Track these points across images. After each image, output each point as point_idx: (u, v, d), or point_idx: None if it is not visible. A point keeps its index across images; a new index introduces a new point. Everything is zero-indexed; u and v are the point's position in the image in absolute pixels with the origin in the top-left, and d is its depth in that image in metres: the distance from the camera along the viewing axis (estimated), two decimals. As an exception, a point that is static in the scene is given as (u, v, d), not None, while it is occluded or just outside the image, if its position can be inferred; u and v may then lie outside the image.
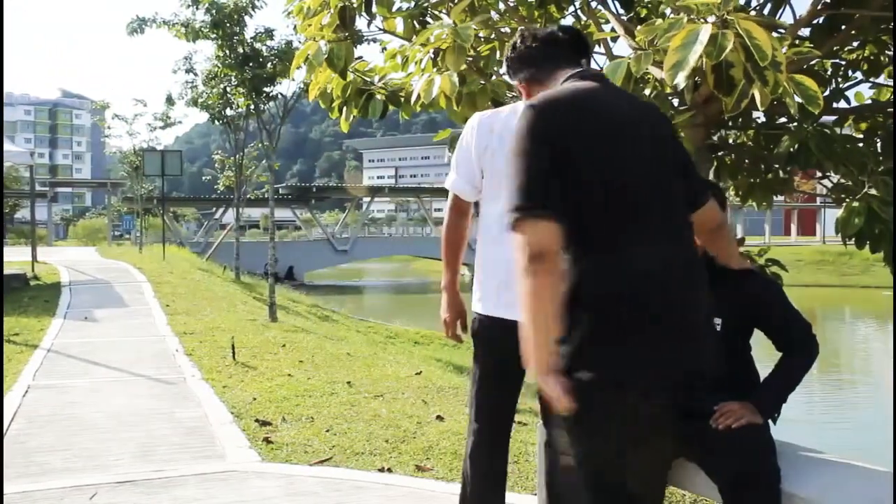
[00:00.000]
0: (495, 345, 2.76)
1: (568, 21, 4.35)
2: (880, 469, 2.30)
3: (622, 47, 3.82)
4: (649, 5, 3.98)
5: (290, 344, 8.60)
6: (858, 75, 4.07)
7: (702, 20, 2.58)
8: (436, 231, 56.49)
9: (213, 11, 12.26)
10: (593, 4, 4.04)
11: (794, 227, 59.69)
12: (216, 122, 17.27)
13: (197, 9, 12.41)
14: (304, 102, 12.45)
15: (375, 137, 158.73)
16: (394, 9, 3.88)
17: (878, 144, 3.96)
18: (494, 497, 2.92)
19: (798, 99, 2.63)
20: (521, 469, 4.14)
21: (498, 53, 4.16)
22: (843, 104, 4.07)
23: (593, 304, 1.89)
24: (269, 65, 12.84)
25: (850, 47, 3.99)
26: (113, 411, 5.50)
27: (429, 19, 4.05)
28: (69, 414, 5.44)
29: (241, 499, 3.81)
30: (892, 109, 3.84)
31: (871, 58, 3.97)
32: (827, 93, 3.93)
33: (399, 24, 4.03)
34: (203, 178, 27.84)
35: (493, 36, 4.14)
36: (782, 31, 3.27)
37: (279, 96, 12.93)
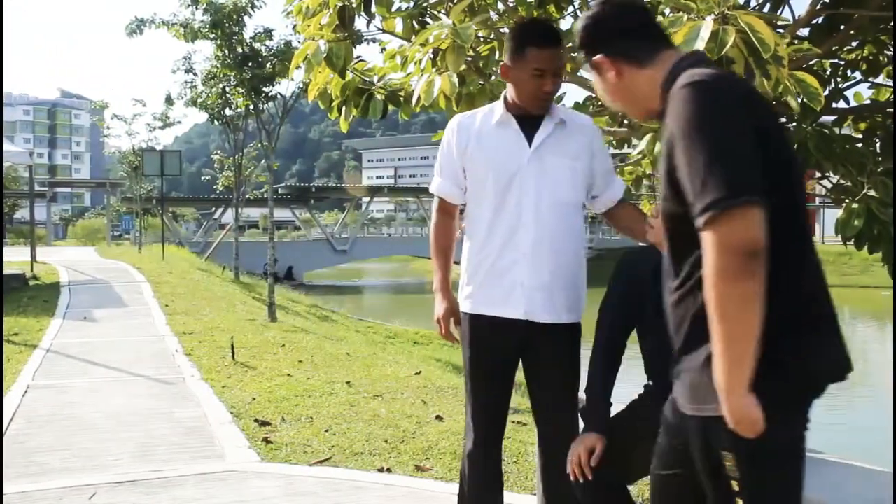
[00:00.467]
0: (484, 343, 2.79)
1: (567, 21, 4.35)
2: (880, 469, 2.31)
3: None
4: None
5: (290, 344, 8.60)
6: (857, 75, 4.07)
7: (701, 18, 2.58)
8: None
9: (212, 12, 12.25)
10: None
11: (793, 227, 59.59)
12: (215, 122, 17.26)
13: (196, 9, 12.41)
14: (303, 102, 12.43)
15: (375, 137, 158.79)
16: (393, 9, 3.88)
17: (878, 145, 3.95)
18: (493, 496, 2.93)
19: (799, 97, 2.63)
20: (521, 469, 4.14)
21: (497, 53, 4.16)
22: (842, 104, 4.07)
23: (804, 304, 1.70)
24: (268, 65, 12.83)
25: (849, 47, 3.99)
26: (112, 411, 5.50)
27: (428, 19, 4.04)
28: (68, 414, 5.44)
29: (240, 499, 3.81)
30: (891, 109, 3.84)
31: (871, 58, 3.97)
32: (826, 93, 3.93)
33: (398, 25, 4.03)
34: (202, 178, 27.86)
35: (492, 36, 4.14)
36: (782, 30, 3.27)
37: (278, 96, 12.93)
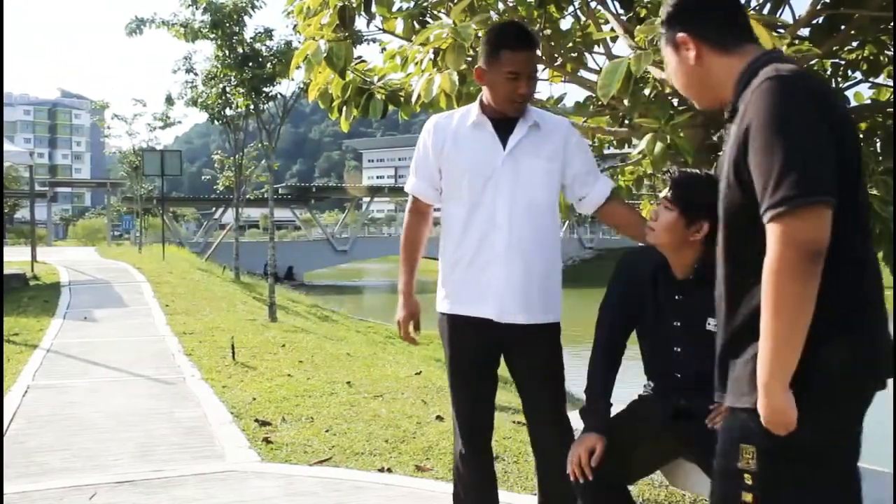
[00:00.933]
0: (461, 342, 2.81)
1: (567, 21, 4.35)
2: (880, 469, 2.31)
3: (622, 48, 3.82)
4: (649, 5, 3.97)
5: (290, 344, 8.60)
6: (858, 75, 4.07)
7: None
8: (434, 231, 56.34)
9: (213, 11, 12.25)
10: (593, 4, 4.04)
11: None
12: (216, 122, 17.25)
13: (196, 9, 12.41)
14: (303, 102, 12.44)
15: (375, 137, 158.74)
16: (394, 9, 3.88)
17: (878, 144, 3.95)
18: (486, 496, 2.94)
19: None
20: (521, 469, 4.14)
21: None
22: (842, 104, 4.07)
23: (855, 308, 1.70)
24: (268, 65, 12.83)
25: (849, 47, 3.99)
26: (112, 411, 5.50)
27: (428, 19, 4.04)
28: (69, 414, 5.44)
29: (240, 499, 3.81)
30: (891, 109, 3.84)
31: (871, 58, 3.97)
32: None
33: (399, 25, 4.03)
34: (202, 178, 27.85)
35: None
36: (782, 30, 3.27)
37: (279, 96, 12.93)
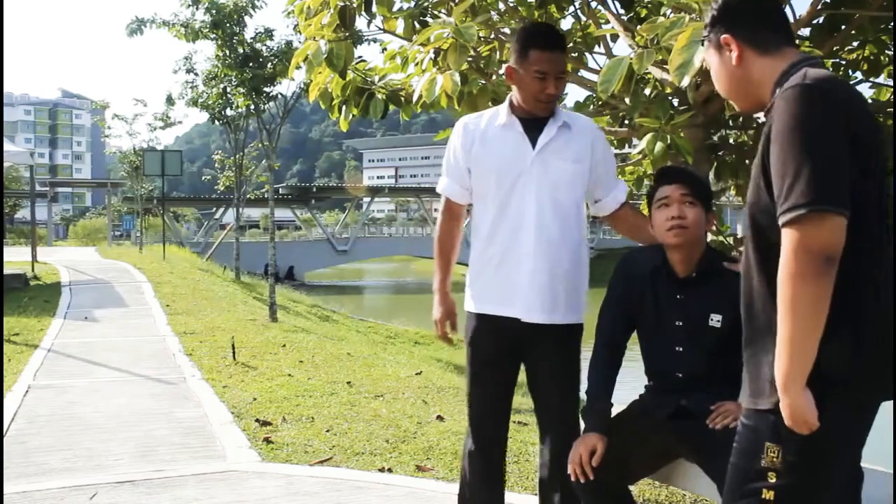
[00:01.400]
0: (485, 341, 2.82)
1: (568, 21, 4.36)
2: (880, 469, 2.30)
3: (622, 48, 3.83)
4: (649, 5, 3.97)
5: (291, 344, 8.60)
6: (858, 75, 4.07)
7: (703, 19, 2.58)
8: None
9: (213, 12, 12.25)
10: (593, 4, 4.04)
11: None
12: (216, 122, 17.24)
13: (197, 9, 12.41)
14: (303, 102, 12.44)
15: (375, 137, 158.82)
16: (394, 9, 3.88)
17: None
18: (494, 496, 2.94)
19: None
20: (521, 469, 4.14)
21: (498, 54, 4.16)
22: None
23: (868, 312, 1.72)
24: (269, 65, 12.82)
25: (849, 47, 3.99)
26: (113, 411, 5.50)
27: (429, 19, 4.04)
28: (69, 414, 5.44)
29: (240, 499, 3.81)
30: (891, 109, 3.84)
31: (871, 58, 3.97)
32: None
33: (399, 25, 4.03)
34: (203, 178, 27.79)
35: (493, 36, 4.14)
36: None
37: (279, 96, 12.92)
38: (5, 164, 17.31)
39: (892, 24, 3.55)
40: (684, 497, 3.75)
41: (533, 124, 2.74)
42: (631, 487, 2.76)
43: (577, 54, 4.15)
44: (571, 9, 4.14)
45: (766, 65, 1.86)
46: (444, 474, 4.13)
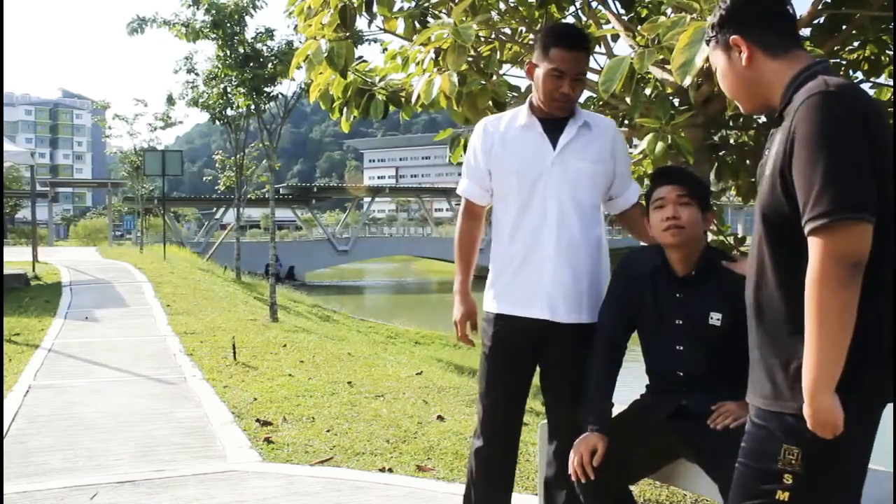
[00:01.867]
0: (505, 342, 2.83)
1: (568, 21, 4.35)
2: (880, 469, 2.30)
3: (622, 48, 3.82)
4: (650, 5, 3.97)
5: (291, 344, 8.60)
6: (859, 75, 4.07)
7: (704, 19, 2.57)
8: (436, 231, 56.58)
9: (214, 11, 12.25)
10: (594, 4, 4.04)
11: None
12: (217, 122, 17.26)
13: (197, 9, 12.41)
14: (304, 102, 12.42)
15: (376, 137, 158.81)
16: (394, 9, 3.88)
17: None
18: (498, 495, 2.94)
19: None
20: (522, 469, 4.14)
21: (498, 54, 4.16)
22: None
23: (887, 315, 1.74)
24: (269, 65, 12.82)
25: (850, 47, 3.99)
26: (114, 411, 5.50)
27: (429, 19, 4.04)
28: (70, 414, 5.44)
29: (241, 499, 3.81)
30: (892, 109, 3.84)
31: (872, 57, 3.97)
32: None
33: (400, 25, 4.03)
34: (204, 178, 27.83)
35: (493, 36, 4.14)
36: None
37: (280, 96, 12.93)
38: (6, 164, 17.31)
39: (892, 24, 3.55)
40: (685, 497, 3.74)
41: (553, 125, 2.75)
42: (631, 487, 2.76)
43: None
44: (572, 9, 4.14)
45: (777, 67, 1.87)
46: (445, 474, 4.13)
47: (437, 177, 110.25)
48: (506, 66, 4.28)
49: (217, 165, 22.27)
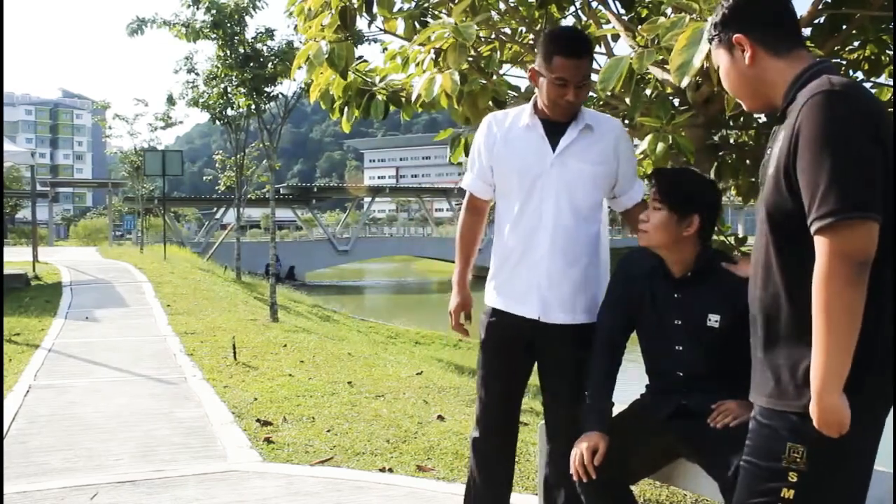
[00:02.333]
0: (500, 337, 2.86)
1: (568, 21, 4.35)
2: (880, 469, 2.30)
3: (622, 49, 3.82)
4: (650, 5, 3.97)
5: (291, 344, 8.60)
6: (859, 75, 4.06)
7: (703, 19, 2.57)
8: (436, 231, 56.59)
9: (214, 11, 12.25)
10: (594, 4, 4.04)
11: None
12: (217, 122, 17.26)
13: (197, 9, 12.41)
14: (304, 102, 12.42)
15: (376, 137, 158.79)
16: (395, 9, 3.88)
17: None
18: (501, 493, 2.98)
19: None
20: (522, 469, 4.14)
21: (499, 53, 4.16)
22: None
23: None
24: (269, 65, 12.82)
25: (850, 47, 3.99)
26: (114, 411, 5.50)
27: (429, 20, 4.04)
28: (70, 414, 5.44)
29: (241, 499, 3.81)
30: (892, 109, 3.84)
31: (872, 57, 3.96)
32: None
33: (400, 25, 4.03)
34: (204, 177, 27.81)
35: (493, 36, 4.13)
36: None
37: (280, 96, 12.93)
38: (6, 164, 17.31)
39: (892, 23, 3.55)
40: (685, 497, 3.75)
41: (555, 126, 2.76)
42: (632, 487, 2.76)
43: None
44: (572, 9, 4.13)
45: (780, 66, 1.87)
46: (445, 474, 4.13)
47: (438, 177, 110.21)
48: (506, 66, 4.28)
49: (217, 165, 22.27)
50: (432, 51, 3.65)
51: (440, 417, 5.24)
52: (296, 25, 11.20)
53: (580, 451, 2.52)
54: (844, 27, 3.66)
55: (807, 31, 3.67)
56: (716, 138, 4.09)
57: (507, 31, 4.24)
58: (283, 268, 39.37)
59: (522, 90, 4.06)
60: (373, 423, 5.12)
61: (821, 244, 1.66)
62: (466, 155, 3.73)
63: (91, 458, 4.45)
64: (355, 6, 3.78)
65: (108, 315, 10.82)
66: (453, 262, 3.11)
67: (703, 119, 3.59)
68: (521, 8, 4.10)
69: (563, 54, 2.64)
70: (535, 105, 2.80)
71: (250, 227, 59.22)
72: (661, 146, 3.17)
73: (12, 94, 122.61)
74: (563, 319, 2.75)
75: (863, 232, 1.63)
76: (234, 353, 7.51)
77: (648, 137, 3.26)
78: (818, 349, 1.67)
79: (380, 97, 4.05)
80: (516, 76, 23.62)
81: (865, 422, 1.74)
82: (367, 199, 57.56)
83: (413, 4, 4.06)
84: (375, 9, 3.78)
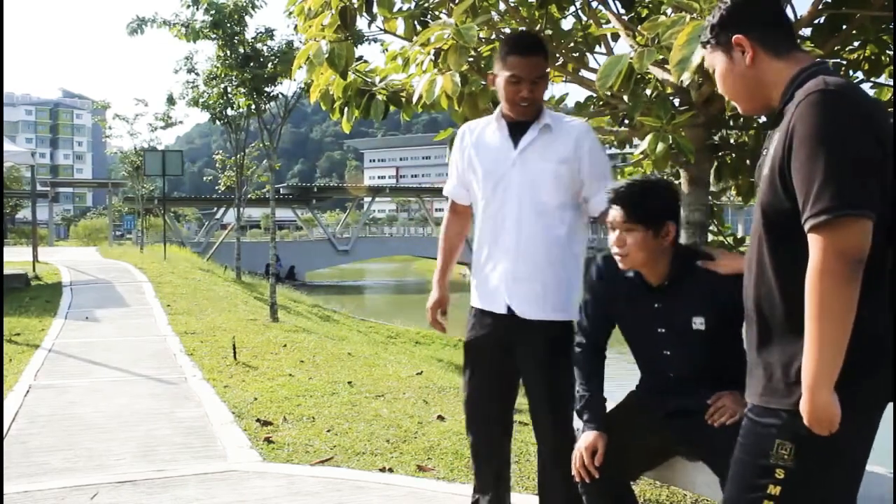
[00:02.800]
0: (477, 333, 2.96)
1: (569, 21, 4.35)
2: (880, 469, 2.31)
3: (623, 48, 3.82)
4: (650, 5, 3.97)
5: (291, 344, 8.60)
6: (859, 75, 4.07)
7: (703, 19, 2.57)
8: (437, 231, 56.54)
9: (214, 11, 12.24)
10: (594, 4, 4.04)
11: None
12: (217, 122, 17.23)
13: (197, 9, 12.40)
14: (304, 102, 12.40)
15: (376, 137, 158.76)
16: (395, 9, 3.88)
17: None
18: (500, 494, 3.04)
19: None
20: (522, 469, 4.14)
21: (499, 54, 4.16)
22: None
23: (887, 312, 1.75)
24: (269, 65, 12.81)
25: (850, 47, 3.99)
26: (114, 411, 5.50)
27: (429, 20, 4.04)
28: (70, 414, 5.44)
29: (241, 499, 3.81)
30: (892, 109, 3.84)
31: (872, 57, 3.96)
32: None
33: (400, 25, 4.03)
34: (204, 177, 27.83)
35: (493, 37, 4.13)
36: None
37: (280, 96, 12.92)
38: (6, 164, 17.31)
39: (892, 23, 3.55)
40: (685, 497, 3.74)
41: (519, 128, 2.84)
42: (632, 486, 2.76)
43: (577, 54, 4.14)
44: (572, 8, 4.13)
45: (779, 67, 1.87)
46: (445, 474, 4.13)
47: (438, 177, 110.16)
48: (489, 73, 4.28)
49: (217, 165, 22.26)
50: (432, 51, 3.65)
51: (440, 417, 5.24)
52: (296, 25, 11.20)
53: (579, 452, 2.53)
54: (844, 27, 3.66)
55: (807, 31, 3.68)
56: (716, 138, 4.09)
57: (508, 31, 4.24)
58: (284, 268, 39.38)
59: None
60: (373, 423, 5.12)
61: (815, 242, 1.66)
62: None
63: (91, 457, 4.45)
64: (355, 6, 3.78)
65: (109, 315, 10.82)
66: None
67: (703, 119, 3.59)
68: (521, 8, 4.10)
69: (515, 52, 2.75)
70: (501, 109, 2.88)
71: (250, 226, 59.25)
72: (661, 146, 3.18)
73: (12, 94, 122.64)
74: (529, 314, 2.81)
75: (857, 230, 1.64)
76: (235, 352, 7.51)
77: (648, 137, 3.26)
78: (810, 346, 1.67)
79: (380, 97, 4.06)
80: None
81: (856, 421, 1.74)
82: (368, 199, 57.58)
83: (413, 4, 4.06)
84: (375, 9, 3.79)
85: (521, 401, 3.10)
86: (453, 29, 3.31)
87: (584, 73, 4.11)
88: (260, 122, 13.06)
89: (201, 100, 16.05)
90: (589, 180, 2.84)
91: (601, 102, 4.00)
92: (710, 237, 4.14)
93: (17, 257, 18.57)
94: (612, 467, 2.53)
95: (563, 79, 4.13)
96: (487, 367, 2.95)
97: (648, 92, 3.49)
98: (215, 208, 48.19)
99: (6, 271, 12.51)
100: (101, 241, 41.02)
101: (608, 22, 4.06)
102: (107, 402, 5.79)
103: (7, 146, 15.43)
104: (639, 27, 3.08)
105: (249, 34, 12.89)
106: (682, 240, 3.42)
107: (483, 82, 3.78)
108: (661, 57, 2.84)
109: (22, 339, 8.65)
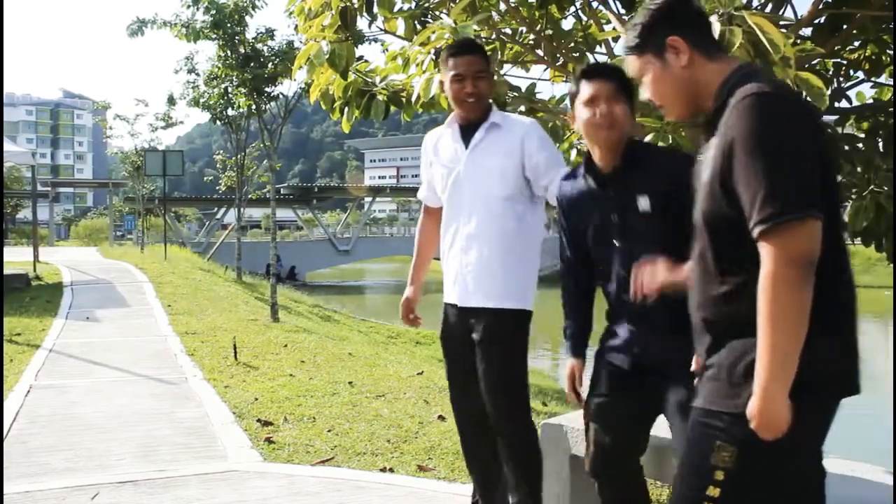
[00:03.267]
0: (446, 329, 3.15)
1: (569, 22, 4.36)
2: (880, 469, 2.31)
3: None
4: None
5: (292, 344, 8.60)
6: (860, 75, 4.07)
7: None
8: (437, 231, 56.48)
9: (214, 12, 12.24)
10: (594, 5, 4.04)
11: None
12: (217, 122, 17.21)
13: (197, 9, 12.39)
14: (305, 102, 12.39)
15: (377, 137, 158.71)
16: (395, 9, 3.88)
17: (881, 144, 3.95)
18: (490, 490, 3.16)
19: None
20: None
21: (499, 54, 4.16)
22: (844, 103, 4.07)
23: (840, 315, 1.75)
24: (270, 65, 12.81)
25: (851, 47, 3.99)
26: (114, 411, 5.51)
27: (429, 20, 4.04)
28: (71, 414, 5.45)
29: (242, 499, 3.81)
30: (892, 109, 3.84)
31: (873, 57, 3.96)
32: (829, 92, 3.92)
33: (400, 25, 4.03)
34: (204, 178, 27.84)
35: (493, 36, 4.14)
36: (784, 29, 3.27)
37: (280, 96, 12.92)
38: (7, 165, 17.32)
39: (893, 23, 3.55)
40: (685, 497, 3.74)
41: (469, 129, 3.01)
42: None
43: (577, 54, 4.15)
44: (572, 9, 4.13)
45: (712, 69, 1.86)
46: (446, 474, 4.14)
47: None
48: (506, 66, 4.28)
49: (218, 165, 22.27)
50: (432, 51, 3.65)
51: (441, 417, 5.24)
52: (296, 25, 11.19)
53: (567, 381, 2.66)
54: (845, 27, 3.66)
55: (807, 31, 3.67)
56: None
57: (508, 31, 4.25)
58: (284, 268, 39.35)
59: (523, 90, 4.07)
60: (373, 423, 5.12)
61: (765, 249, 1.63)
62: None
63: (92, 458, 4.46)
64: (356, 6, 3.78)
65: (109, 315, 10.83)
66: None
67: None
68: (521, 8, 4.10)
69: (454, 54, 2.95)
70: (454, 115, 3.06)
71: (251, 227, 59.26)
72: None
73: (13, 94, 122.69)
74: (479, 303, 2.96)
75: (806, 232, 1.60)
76: (235, 353, 7.51)
77: (648, 137, 3.26)
78: (764, 352, 1.63)
79: (380, 97, 4.06)
80: (517, 76, 23.60)
81: (814, 420, 1.72)
82: (368, 199, 57.56)
83: (413, 4, 4.06)
84: (376, 9, 3.79)
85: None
86: (451, 28, 3.32)
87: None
88: (260, 123, 13.06)
89: (202, 100, 16.03)
90: (543, 170, 2.95)
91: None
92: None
93: (18, 257, 18.58)
94: (608, 454, 2.54)
95: (564, 79, 4.13)
96: (460, 361, 3.10)
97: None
98: (216, 208, 48.19)
99: (7, 271, 12.52)
100: (101, 242, 41.05)
101: (608, 22, 4.06)
102: (107, 402, 5.80)
103: (7, 146, 15.44)
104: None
105: (250, 34, 12.89)
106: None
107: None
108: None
109: (22, 339, 8.66)
